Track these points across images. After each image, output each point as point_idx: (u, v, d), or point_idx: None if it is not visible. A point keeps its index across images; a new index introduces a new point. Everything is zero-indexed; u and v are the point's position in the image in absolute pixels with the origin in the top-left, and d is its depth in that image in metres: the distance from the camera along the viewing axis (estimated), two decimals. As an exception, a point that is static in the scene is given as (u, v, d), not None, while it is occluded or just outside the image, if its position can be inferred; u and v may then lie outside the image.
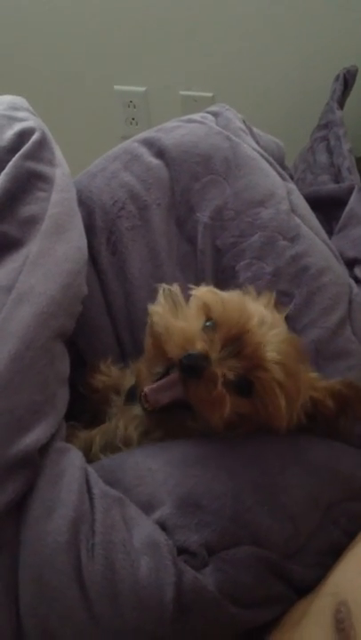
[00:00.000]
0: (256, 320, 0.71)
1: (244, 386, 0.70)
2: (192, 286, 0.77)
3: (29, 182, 0.81)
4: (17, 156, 0.81)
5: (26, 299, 0.71)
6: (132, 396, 0.80)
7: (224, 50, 1.67)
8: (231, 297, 0.75)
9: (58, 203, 0.81)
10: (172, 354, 0.69)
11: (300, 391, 0.71)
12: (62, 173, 0.85)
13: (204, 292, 0.76)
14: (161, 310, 0.73)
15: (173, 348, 0.69)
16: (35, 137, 0.84)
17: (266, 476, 0.69)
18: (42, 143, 0.84)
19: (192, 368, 0.67)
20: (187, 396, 0.68)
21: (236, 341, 0.69)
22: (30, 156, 0.82)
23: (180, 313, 0.73)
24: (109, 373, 0.87)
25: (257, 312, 0.72)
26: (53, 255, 0.76)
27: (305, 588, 0.68)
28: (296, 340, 0.75)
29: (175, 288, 0.75)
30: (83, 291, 0.80)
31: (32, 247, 0.76)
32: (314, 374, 0.75)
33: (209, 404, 0.68)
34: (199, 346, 0.68)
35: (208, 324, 0.72)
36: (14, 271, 0.73)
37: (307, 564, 0.69)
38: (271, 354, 0.69)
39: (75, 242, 0.80)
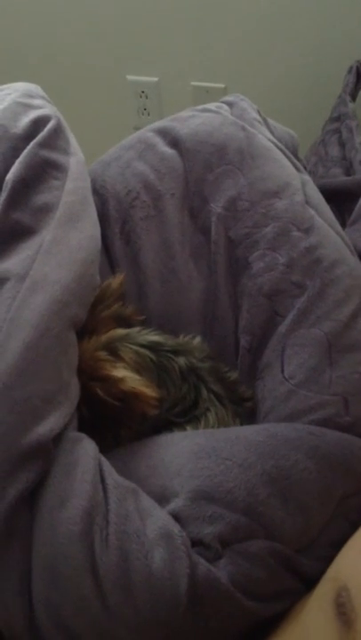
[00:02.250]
0: None
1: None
2: None
3: (44, 171, 0.80)
4: (32, 143, 0.81)
5: (40, 287, 0.71)
6: None
7: (237, 41, 1.66)
8: None
9: (72, 191, 0.81)
10: None
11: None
12: (77, 162, 0.85)
13: None
14: None
15: None
16: (50, 125, 0.83)
17: (279, 469, 0.69)
18: (57, 131, 0.84)
19: None
20: None
21: None
22: (45, 144, 0.82)
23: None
24: None
25: None
26: (67, 244, 0.76)
27: (314, 580, 0.68)
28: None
29: None
30: (96, 280, 0.80)
31: (46, 235, 0.75)
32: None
33: None
34: None
35: None
36: (28, 259, 0.73)
37: (317, 557, 0.69)
38: None
39: (88, 230, 0.80)
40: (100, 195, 0.92)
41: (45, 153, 0.81)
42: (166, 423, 0.79)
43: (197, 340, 0.85)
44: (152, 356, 0.78)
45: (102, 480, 0.66)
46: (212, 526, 0.65)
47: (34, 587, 0.62)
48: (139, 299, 0.89)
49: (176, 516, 0.65)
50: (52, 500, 0.64)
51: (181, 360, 0.80)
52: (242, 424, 0.82)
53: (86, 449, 0.69)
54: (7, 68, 1.86)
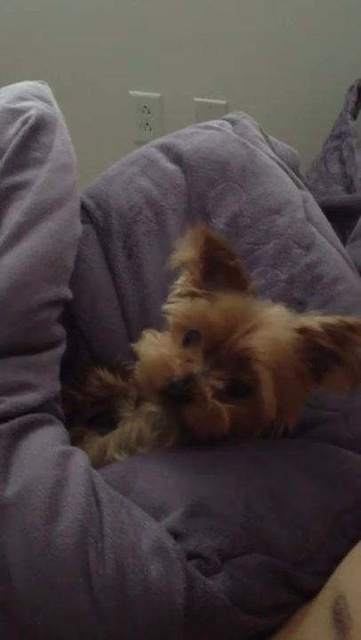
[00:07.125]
0: (241, 322, 0.69)
1: (238, 387, 0.69)
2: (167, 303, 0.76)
3: (6, 199, 0.80)
4: None
5: None
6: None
7: (239, 58, 1.68)
8: (220, 302, 0.71)
9: (27, 211, 0.79)
10: (158, 387, 0.68)
11: (290, 383, 0.70)
12: (49, 169, 0.83)
13: (176, 306, 0.74)
14: (143, 346, 0.72)
15: (157, 380, 0.68)
16: (23, 131, 0.83)
17: (277, 484, 0.69)
18: (31, 138, 0.83)
19: (179, 397, 0.67)
20: (183, 421, 0.69)
21: (218, 348, 0.69)
22: (10, 168, 0.81)
23: (161, 341, 0.73)
24: (107, 379, 0.89)
25: (246, 313, 0.70)
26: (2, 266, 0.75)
27: (313, 594, 0.68)
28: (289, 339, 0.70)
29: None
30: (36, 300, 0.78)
31: None
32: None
33: (207, 421, 0.68)
34: (179, 371, 0.67)
35: (193, 336, 0.71)
36: None
37: (315, 572, 0.69)
38: (254, 353, 0.67)
39: (27, 250, 0.77)
40: (103, 209, 0.92)
41: (7, 181, 0.80)
42: None
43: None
44: None
45: (95, 493, 0.66)
46: (210, 539, 0.64)
47: (26, 597, 0.61)
48: (141, 312, 0.89)
49: (175, 530, 0.65)
50: (46, 513, 0.63)
51: None
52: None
53: (78, 462, 0.68)
54: (9, 82, 1.87)
